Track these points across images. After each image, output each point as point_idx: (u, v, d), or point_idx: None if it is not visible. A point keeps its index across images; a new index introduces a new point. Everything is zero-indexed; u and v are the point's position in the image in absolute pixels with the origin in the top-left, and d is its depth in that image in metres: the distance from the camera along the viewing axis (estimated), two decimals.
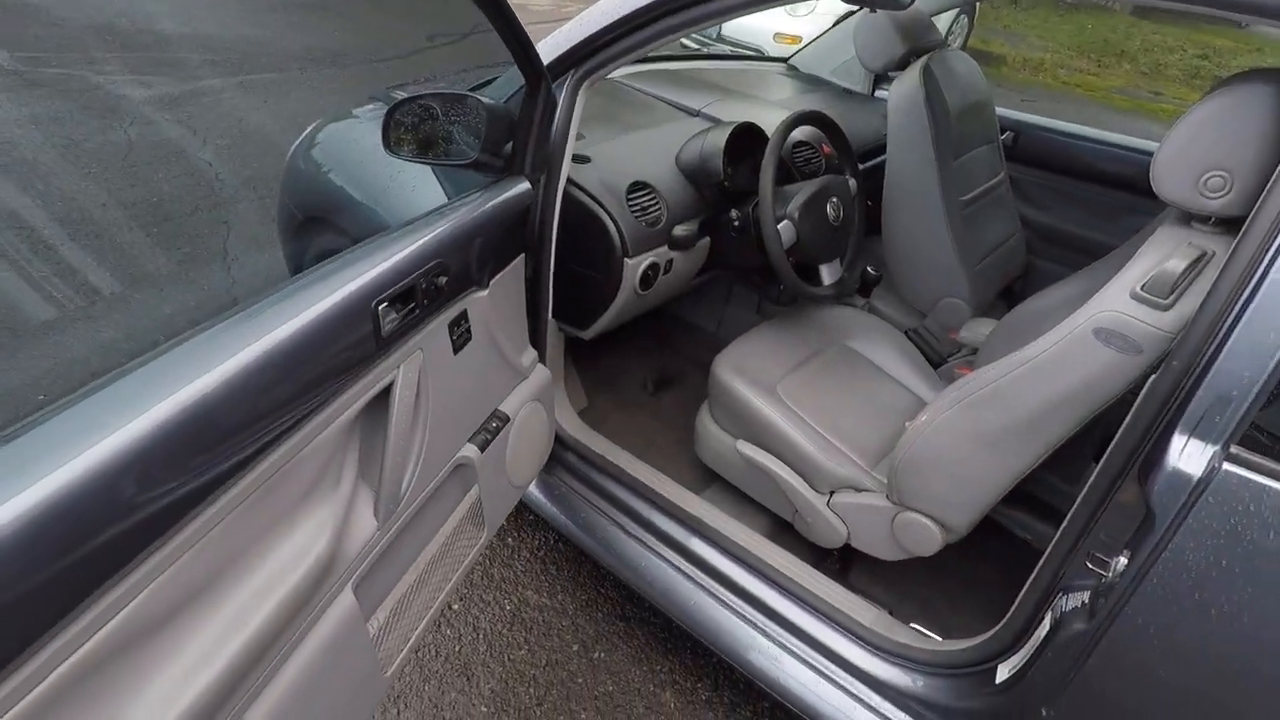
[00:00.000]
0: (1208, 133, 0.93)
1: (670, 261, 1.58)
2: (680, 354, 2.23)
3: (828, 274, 1.67)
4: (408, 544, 1.12)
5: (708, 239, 1.65)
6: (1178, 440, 0.80)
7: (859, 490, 1.44)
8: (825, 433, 1.50)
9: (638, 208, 1.50)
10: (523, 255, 1.32)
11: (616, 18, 1.23)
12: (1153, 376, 0.88)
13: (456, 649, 1.63)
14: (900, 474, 1.31)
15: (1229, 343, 0.77)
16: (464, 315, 1.14)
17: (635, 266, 1.48)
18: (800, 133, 1.87)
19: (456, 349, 1.13)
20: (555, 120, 1.28)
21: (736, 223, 1.59)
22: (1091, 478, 0.96)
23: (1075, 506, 0.99)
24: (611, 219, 1.44)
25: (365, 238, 0.99)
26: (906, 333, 1.89)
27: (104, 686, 0.65)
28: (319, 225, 1.71)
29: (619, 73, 2.11)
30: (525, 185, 1.26)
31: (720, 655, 1.42)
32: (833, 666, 1.33)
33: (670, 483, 1.57)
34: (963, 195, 1.81)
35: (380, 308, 0.91)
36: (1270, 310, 0.74)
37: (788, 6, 4.21)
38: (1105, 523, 0.95)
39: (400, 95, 1.24)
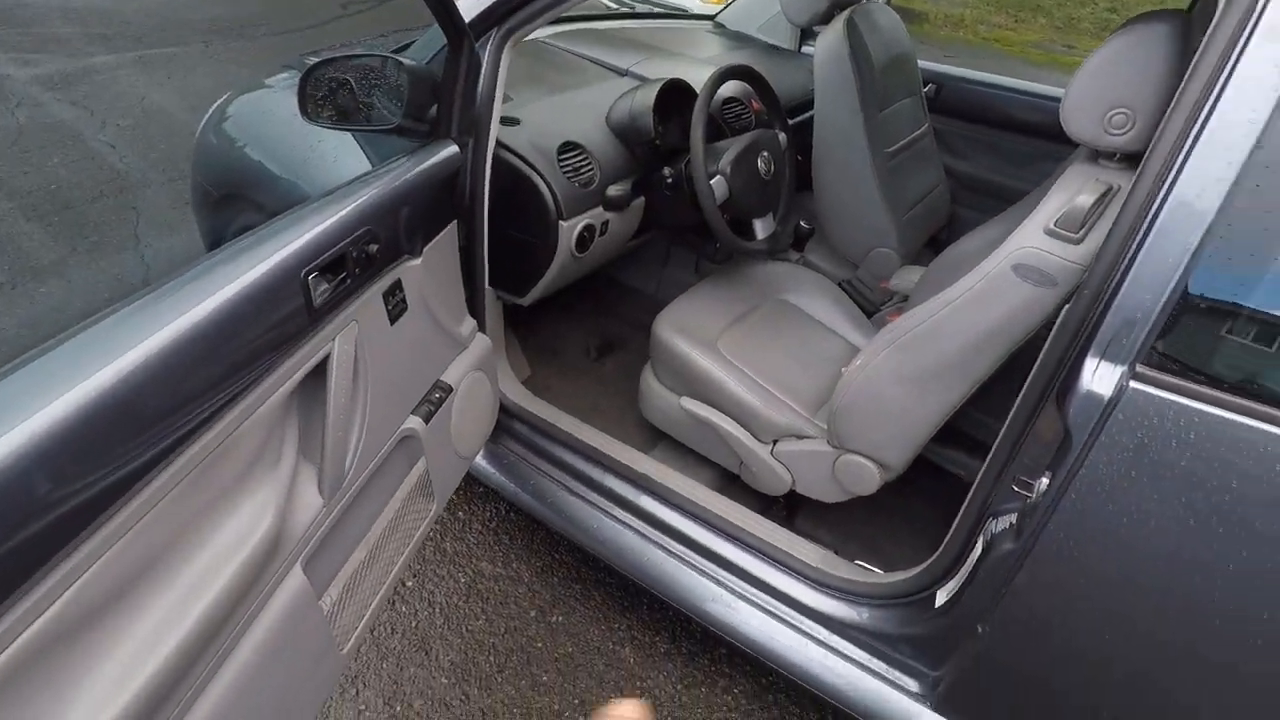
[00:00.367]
0: (1111, 72, 0.97)
1: (606, 223, 1.58)
2: (621, 318, 2.24)
3: (761, 228, 1.70)
4: (356, 519, 1.11)
5: (642, 199, 1.65)
6: (1090, 364, 0.85)
7: (800, 437, 1.48)
8: (766, 384, 1.54)
9: (570, 169, 1.48)
10: (455, 222, 1.30)
11: None
12: (1066, 306, 0.93)
13: (413, 625, 1.62)
14: (838, 418, 1.36)
15: (1132, 270, 0.82)
16: (398, 285, 1.12)
17: (570, 229, 1.47)
18: (729, 89, 1.88)
19: (393, 319, 1.11)
20: (480, 81, 1.26)
21: (670, 180, 1.60)
22: (1014, 406, 1.01)
23: (1001, 434, 1.04)
24: (544, 181, 1.43)
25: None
26: (840, 284, 1.94)
27: (45, 677, 0.63)
28: (237, 202, 1.64)
29: (544, 33, 2.07)
30: (453, 149, 1.23)
31: (677, 607, 1.45)
32: (783, 607, 1.37)
33: (618, 444, 1.59)
34: (888, 147, 1.85)
35: (310, 278, 0.89)
36: (1167, 238, 0.79)
37: None
38: (1029, 447, 1.00)
39: (315, 61, 1.19)
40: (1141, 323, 0.82)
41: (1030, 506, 0.98)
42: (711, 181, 1.51)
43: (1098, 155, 1.09)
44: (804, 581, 1.37)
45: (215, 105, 1.74)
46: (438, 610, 1.66)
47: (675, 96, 1.64)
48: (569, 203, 1.45)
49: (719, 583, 1.43)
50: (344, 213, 0.97)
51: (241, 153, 1.63)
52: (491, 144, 1.31)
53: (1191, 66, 0.79)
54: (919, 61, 2.08)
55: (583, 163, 1.52)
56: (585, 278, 1.75)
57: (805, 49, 2.43)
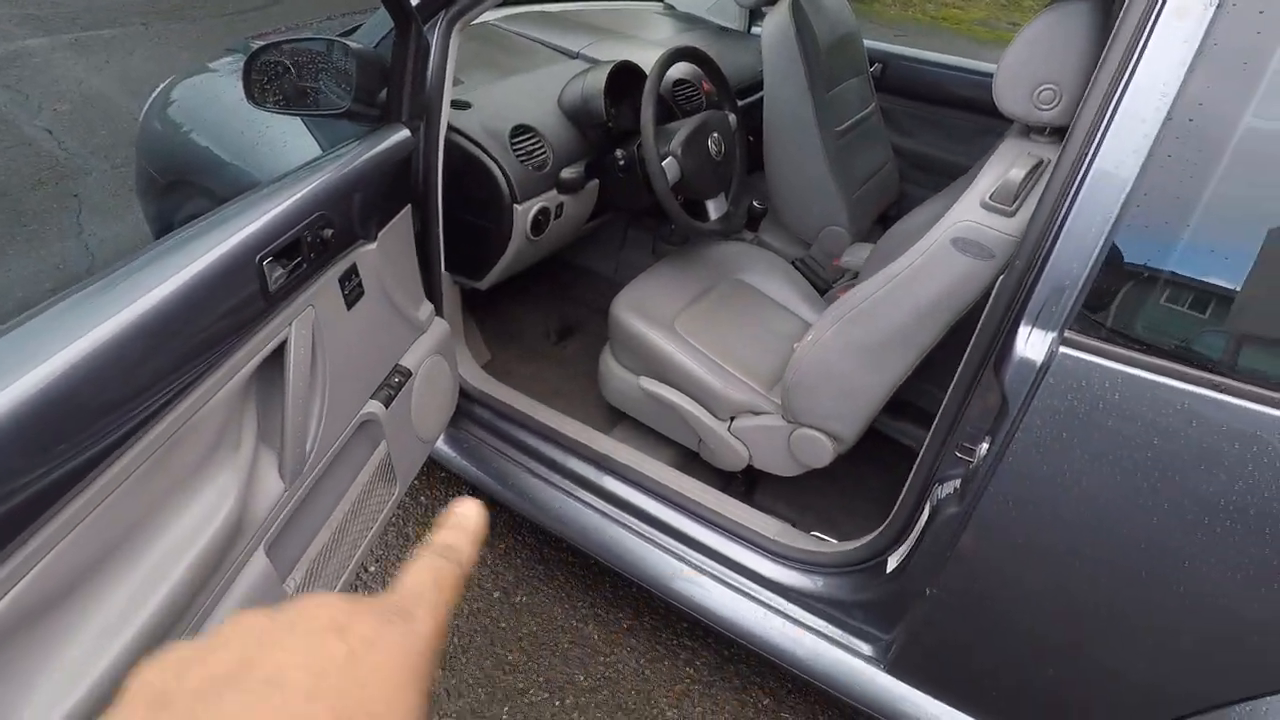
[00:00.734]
0: (1037, 50, 1.01)
1: (560, 206, 1.58)
2: (580, 301, 2.25)
3: (714, 209, 1.72)
4: (319, 503, 1.12)
5: (596, 181, 1.66)
6: (1023, 331, 0.90)
7: (757, 413, 1.52)
8: (722, 362, 1.57)
9: (523, 152, 1.49)
10: (409, 206, 1.30)
11: None
12: (1001, 277, 0.98)
13: None
14: (791, 393, 1.39)
15: (1060, 240, 0.86)
16: (354, 270, 1.12)
17: (525, 212, 1.48)
18: (679, 70, 1.90)
19: (349, 304, 1.11)
20: (430, 64, 1.25)
21: (622, 162, 1.61)
22: (956, 375, 1.05)
23: (944, 403, 1.09)
24: (497, 164, 1.43)
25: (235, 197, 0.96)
26: (793, 262, 1.98)
27: (2, 667, 0.63)
28: (184, 188, 1.61)
29: (493, 15, 2.06)
30: (404, 133, 1.23)
31: (639, 584, 1.48)
32: (743, 580, 1.41)
33: (579, 425, 1.61)
34: (837, 126, 1.88)
35: (265, 263, 0.89)
36: (1091, 208, 0.83)
37: None
38: (970, 415, 1.05)
39: (259, 45, 1.18)
40: (1069, 290, 0.86)
41: (972, 471, 1.02)
42: (663, 163, 1.53)
43: (1029, 130, 1.13)
44: (763, 554, 1.40)
45: (158, 89, 1.70)
46: None
47: (626, 79, 1.64)
48: (523, 186, 1.46)
49: (681, 558, 1.45)
50: (297, 197, 0.97)
51: (187, 138, 1.60)
52: (443, 128, 1.31)
53: (1109, 42, 0.83)
54: (864, 41, 2.12)
55: (535, 146, 1.52)
56: (543, 261, 1.76)
57: (755, 30, 2.45)
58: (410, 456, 1.39)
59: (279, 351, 0.95)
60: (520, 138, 1.50)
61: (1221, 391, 0.81)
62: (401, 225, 1.28)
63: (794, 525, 1.49)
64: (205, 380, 0.81)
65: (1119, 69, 0.80)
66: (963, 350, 1.05)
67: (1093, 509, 0.92)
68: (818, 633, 1.34)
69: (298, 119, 1.42)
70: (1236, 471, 0.82)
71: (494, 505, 1.84)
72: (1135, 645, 1.00)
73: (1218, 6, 0.74)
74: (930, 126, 2.32)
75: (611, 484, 1.53)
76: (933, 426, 1.13)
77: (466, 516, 0.33)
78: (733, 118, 1.78)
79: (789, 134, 1.84)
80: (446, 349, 1.46)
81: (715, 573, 1.43)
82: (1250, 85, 0.75)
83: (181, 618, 0.81)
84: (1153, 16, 0.77)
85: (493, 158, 1.43)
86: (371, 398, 1.22)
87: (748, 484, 1.71)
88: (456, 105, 1.45)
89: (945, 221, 1.11)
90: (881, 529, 1.27)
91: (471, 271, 1.57)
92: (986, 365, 1.00)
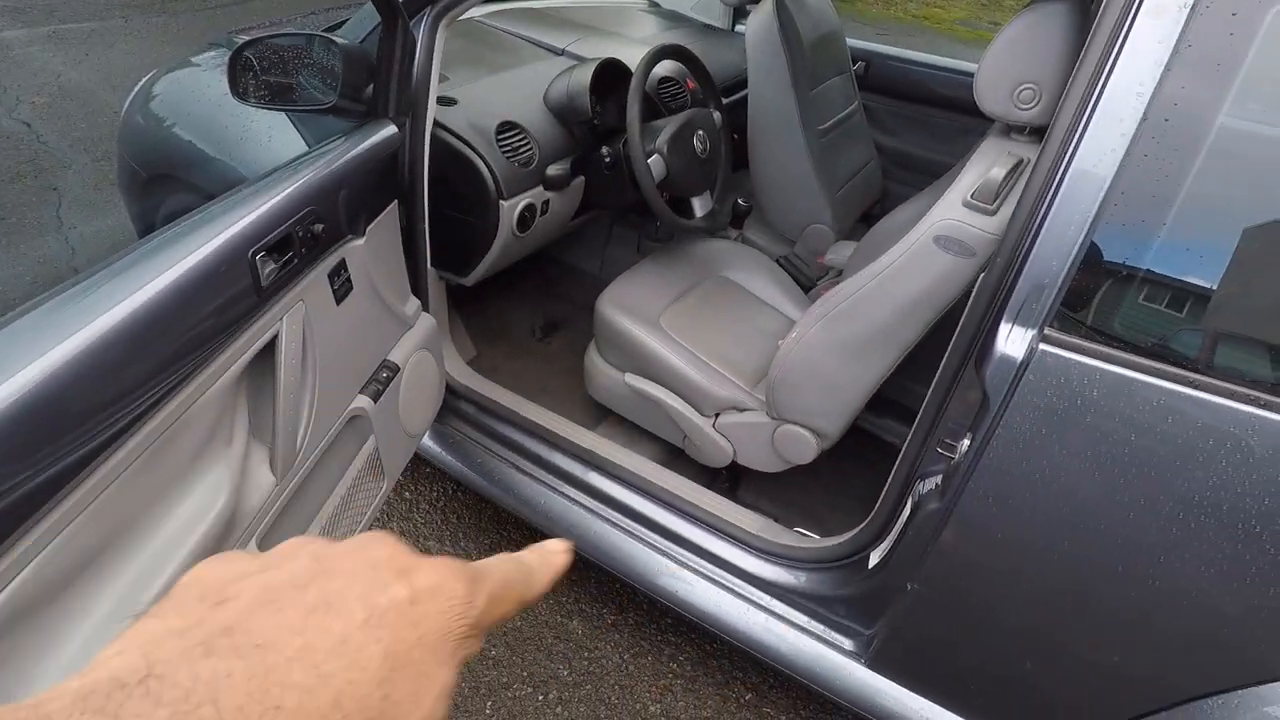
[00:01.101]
0: (1017, 49, 1.03)
1: (546, 202, 1.59)
2: (566, 298, 2.25)
3: (699, 206, 1.73)
4: (309, 497, 1.12)
5: (582, 178, 1.66)
6: (1004, 329, 0.91)
7: (741, 410, 1.53)
8: (707, 359, 1.58)
9: (509, 148, 1.49)
10: (396, 202, 1.30)
11: None
12: (982, 275, 0.99)
13: None
14: (775, 390, 1.40)
15: (1039, 238, 0.87)
16: (343, 265, 1.12)
17: (511, 208, 1.48)
18: (664, 68, 1.90)
19: (339, 299, 1.11)
20: (416, 60, 1.25)
21: (608, 160, 1.61)
22: (937, 372, 1.07)
23: (926, 400, 1.10)
24: (483, 160, 1.43)
25: (221, 192, 0.95)
26: (778, 260, 1.99)
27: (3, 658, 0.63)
28: (168, 183, 1.60)
29: (479, 12, 2.06)
30: (391, 129, 1.23)
31: (624, 579, 1.49)
32: (727, 575, 1.42)
33: (564, 421, 1.61)
34: (820, 125, 1.90)
35: (258, 258, 0.89)
36: (1069, 207, 0.85)
37: None
38: (952, 411, 1.06)
39: (244, 39, 1.17)
40: (1049, 288, 0.88)
41: (954, 467, 1.04)
42: (649, 160, 1.54)
43: (1009, 129, 1.15)
44: (746, 550, 1.41)
45: (141, 83, 1.68)
46: None
47: (611, 76, 1.65)
48: (509, 182, 1.46)
49: (665, 554, 1.46)
50: (288, 193, 0.97)
51: (171, 133, 1.58)
52: (429, 124, 1.31)
53: (1087, 43, 0.84)
54: (847, 39, 2.13)
55: (521, 142, 1.52)
56: (529, 258, 1.76)
57: (739, 28, 2.46)
58: (398, 450, 1.39)
59: (270, 346, 0.95)
60: (506, 134, 1.50)
61: (1198, 389, 0.83)
62: (389, 221, 1.28)
63: (777, 521, 1.50)
64: (199, 375, 0.82)
65: (1096, 69, 0.81)
66: (944, 347, 1.06)
67: (1071, 504, 0.94)
68: (800, 628, 1.35)
69: (284, 115, 1.41)
70: (1212, 467, 0.84)
71: (479, 500, 1.84)
72: (1112, 639, 1.01)
73: (1191, 8, 0.76)
74: (913, 125, 2.34)
75: (596, 480, 1.54)
76: (915, 423, 1.14)
77: (556, 552, 0.33)
78: (718, 115, 1.78)
79: (773, 132, 1.85)
80: (433, 344, 1.46)
81: (699, 568, 1.44)
82: (1224, 86, 0.76)
83: None
84: (1130, 17, 0.79)
85: (479, 154, 1.43)
86: (360, 392, 1.22)
87: (732, 480, 1.72)
88: (443, 101, 1.45)
89: (928, 220, 1.12)
90: (863, 525, 1.29)
91: (458, 267, 1.57)
92: (968, 362, 1.01)
